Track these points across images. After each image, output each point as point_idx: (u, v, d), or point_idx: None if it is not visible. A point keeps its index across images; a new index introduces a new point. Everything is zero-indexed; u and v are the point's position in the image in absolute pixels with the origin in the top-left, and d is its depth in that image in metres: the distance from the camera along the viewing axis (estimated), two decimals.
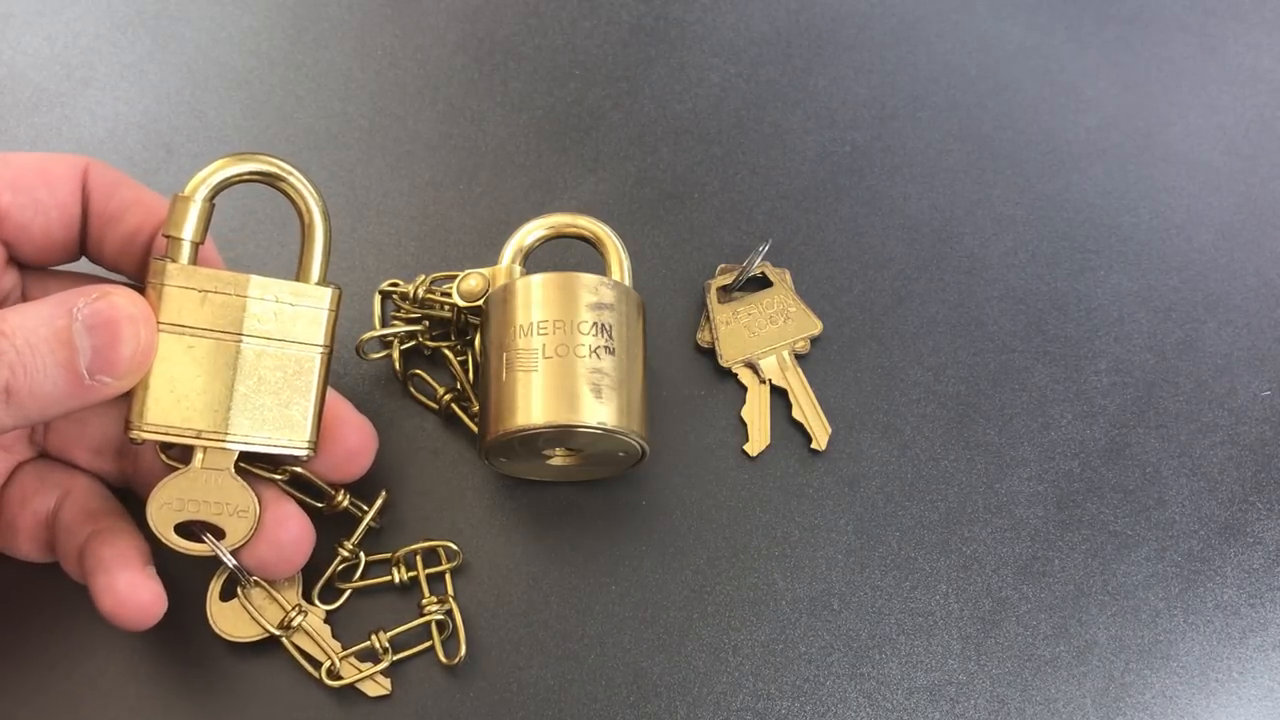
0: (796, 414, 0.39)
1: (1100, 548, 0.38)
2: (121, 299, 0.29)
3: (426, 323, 0.40)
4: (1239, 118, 0.48)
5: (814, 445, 0.39)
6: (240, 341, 0.31)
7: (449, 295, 0.38)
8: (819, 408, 0.40)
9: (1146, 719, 0.35)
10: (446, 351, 0.39)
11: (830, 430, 0.39)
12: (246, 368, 0.31)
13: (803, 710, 0.35)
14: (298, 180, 0.32)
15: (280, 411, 0.32)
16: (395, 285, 0.40)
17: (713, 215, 0.44)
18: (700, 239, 0.43)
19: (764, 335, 0.41)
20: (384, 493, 0.37)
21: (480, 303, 0.37)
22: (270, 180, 0.32)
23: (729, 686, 0.35)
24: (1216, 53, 0.50)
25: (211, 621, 0.34)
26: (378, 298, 0.41)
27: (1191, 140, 0.47)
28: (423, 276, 0.40)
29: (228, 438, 0.31)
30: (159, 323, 0.30)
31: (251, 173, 0.32)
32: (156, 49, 0.47)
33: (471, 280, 0.37)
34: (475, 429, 0.38)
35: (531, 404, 0.33)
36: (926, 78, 0.48)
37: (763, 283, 0.42)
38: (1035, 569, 0.38)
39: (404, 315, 0.40)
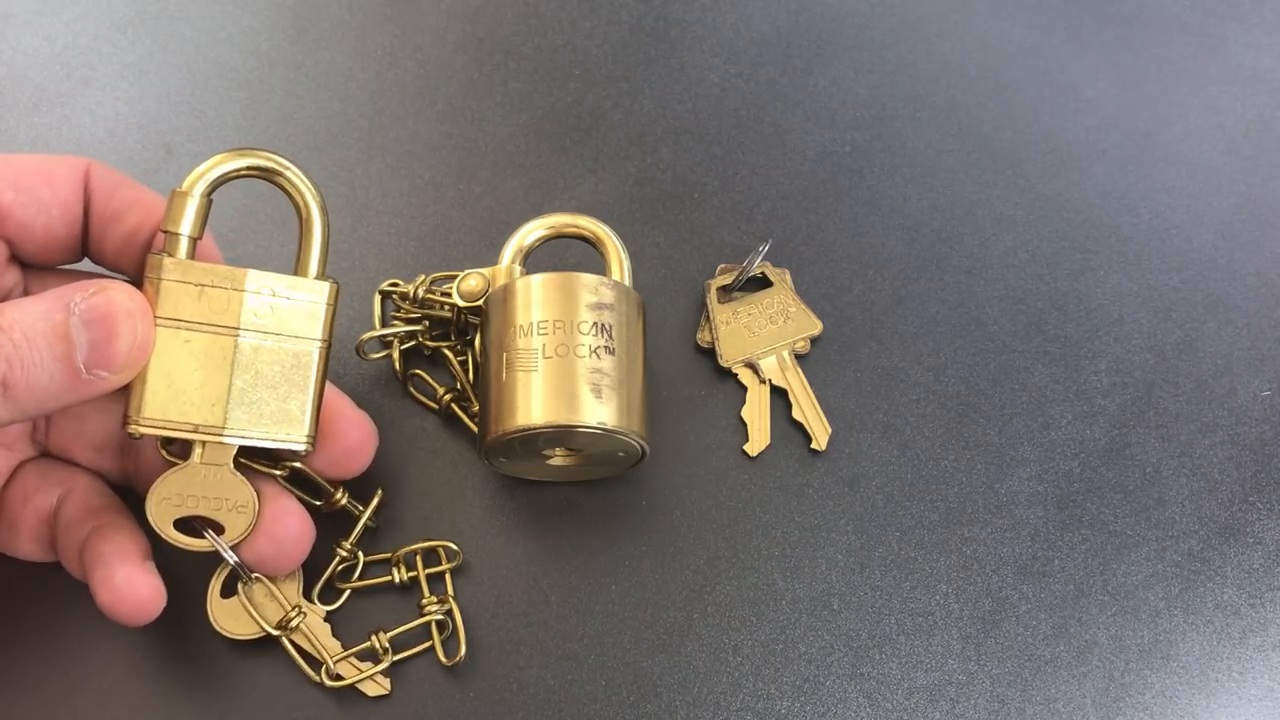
0: (796, 414, 0.39)
1: (1100, 548, 0.38)
2: (119, 293, 0.29)
3: (426, 323, 0.40)
4: (1239, 118, 0.48)
5: (814, 445, 0.39)
6: (238, 336, 0.31)
7: (449, 295, 0.38)
8: (819, 408, 0.40)
9: (1146, 719, 0.36)
10: (446, 351, 0.39)
11: (830, 430, 0.39)
12: (244, 362, 0.31)
13: (803, 710, 0.35)
14: (295, 175, 0.33)
15: (278, 406, 0.32)
16: (395, 285, 0.40)
17: (713, 215, 0.44)
18: (700, 239, 0.43)
19: (764, 335, 0.41)
20: (380, 491, 0.37)
21: (480, 303, 0.37)
22: (267, 175, 0.32)
23: (729, 686, 0.35)
24: (1216, 53, 0.50)
25: (212, 618, 0.34)
26: (378, 298, 0.41)
27: (1191, 140, 0.47)
28: (423, 276, 0.40)
29: (225, 432, 0.31)
30: (156, 317, 0.30)
31: (249, 168, 0.32)
32: (156, 49, 0.47)
33: (471, 280, 0.37)
34: (475, 429, 0.38)
35: (531, 404, 0.33)
36: (926, 78, 0.48)
37: (763, 283, 0.42)
38: (1035, 569, 0.38)
39: (404, 315, 0.40)
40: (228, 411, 0.31)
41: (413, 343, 0.40)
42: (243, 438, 0.32)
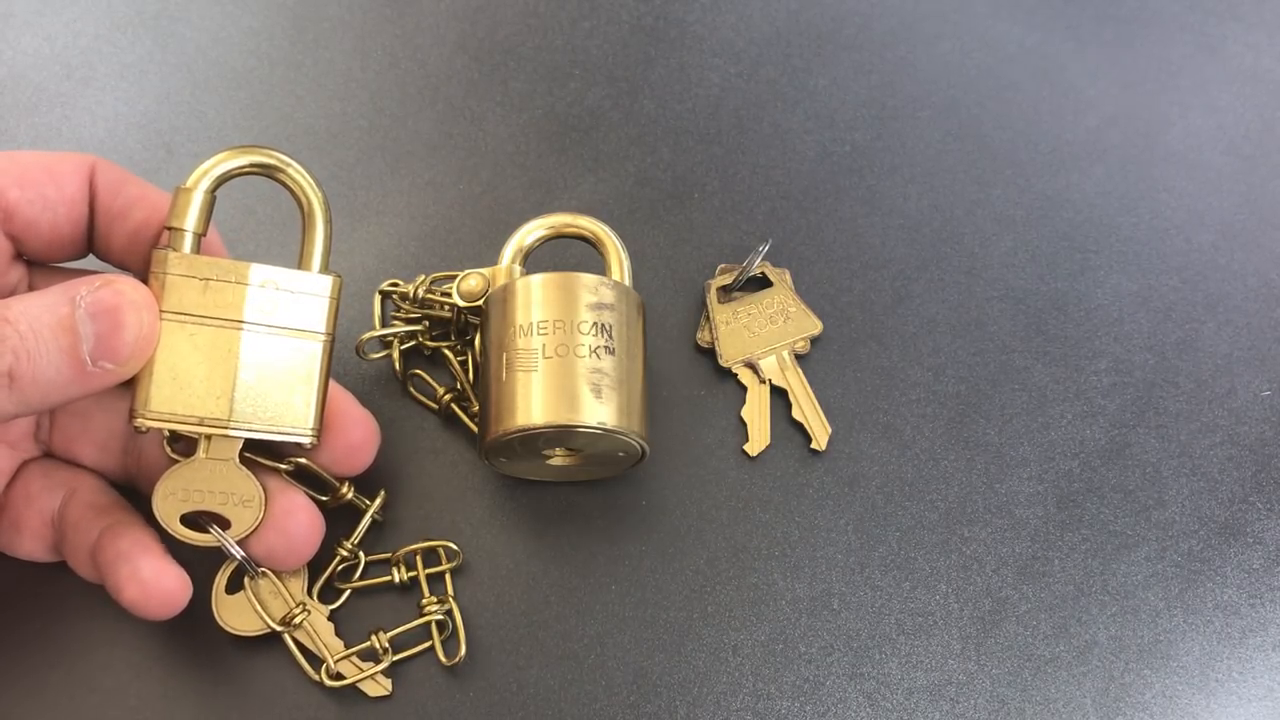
0: (796, 414, 0.39)
1: (1100, 548, 0.38)
2: (124, 286, 0.30)
3: (426, 323, 0.40)
4: (1239, 118, 0.48)
5: (814, 445, 0.39)
6: (242, 329, 0.32)
7: (449, 295, 0.38)
8: (819, 408, 0.40)
9: (1146, 719, 0.36)
10: (446, 351, 0.39)
11: (830, 430, 0.39)
12: (248, 355, 0.32)
13: (803, 710, 0.35)
14: (296, 172, 0.33)
15: (283, 399, 0.32)
16: (395, 285, 0.40)
17: (713, 215, 0.44)
18: (700, 239, 0.43)
19: (764, 335, 0.41)
20: (383, 492, 0.37)
21: (480, 303, 0.37)
22: (269, 172, 0.33)
23: (729, 686, 0.35)
24: (1216, 53, 0.50)
25: (216, 614, 0.34)
26: (378, 298, 0.41)
27: (1191, 140, 0.47)
28: (423, 276, 0.40)
29: (231, 424, 0.31)
30: (161, 311, 0.31)
31: (251, 164, 0.32)
32: (156, 49, 0.47)
33: (471, 280, 0.37)
34: (475, 429, 0.38)
35: (531, 404, 0.33)
36: (926, 78, 0.48)
37: (763, 283, 0.42)
38: (1035, 569, 0.38)
39: (404, 315, 0.40)
40: (233, 404, 0.31)
41: (413, 343, 0.40)
42: (248, 430, 0.32)
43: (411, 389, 0.39)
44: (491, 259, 0.38)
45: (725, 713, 0.35)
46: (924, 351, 0.41)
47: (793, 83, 0.48)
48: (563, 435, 0.34)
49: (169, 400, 0.31)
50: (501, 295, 0.35)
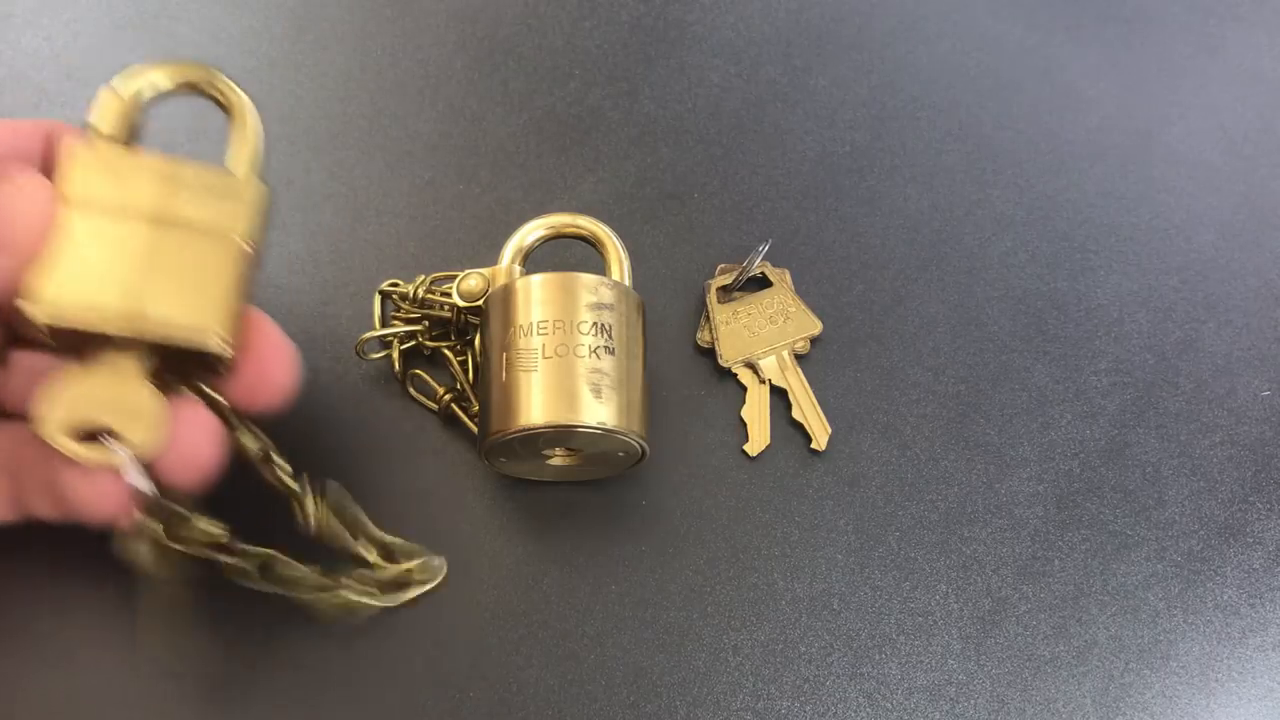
0: (796, 414, 0.39)
1: (1100, 548, 0.38)
2: (13, 171, 0.28)
3: (426, 323, 0.40)
4: (1239, 118, 0.48)
5: (814, 445, 0.39)
6: (153, 225, 0.29)
7: (449, 295, 0.38)
8: (819, 408, 0.40)
9: (1146, 719, 0.36)
10: (446, 351, 0.39)
11: (830, 430, 0.39)
12: (158, 253, 0.29)
13: (803, 710, 0.35)
14: (221, 81, 0.31)
15: (192, 303, 0.29)
16: (395, 285, 0.40)
17: (713, 215, 0.44)
18: (700, 239, 0.43)
19: (764, 335, 0.41)
20: (305, 474, 0.33)
21: (480, 303, 0.37)
22: (198, 88, 0.31)
23: (729, 686, 0.35)
24: (1216, 53, 0.50)
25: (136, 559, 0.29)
26: (378, 298, 0.41)
27: (1191, 140, 0.47)
28: (423, 276, 0.40)
29: (133, 324, 0.28)
30: (67, 201, 0.28)
31: (182, 83, 0.31)
32: (156, 49, 0.47)
33: (471, 280, 0.37)
34: (475, 429, 0.38)
35: (531, 404, 0.33)
36: (926, 78, 0.48)
37: (763, 283, 0.42)
38: (1035, 569, 0.38)
39: (404, 315, 0.40)
40: (136, 304, 0.28)
41: (413, 343, 0.40)
42: (150, 330, 0.28)
43: (411, 389, 0.39)
44: (491, 259, 0.38)
45: (725, 713, 0.35)
46: (924, 351, 0.41)
47: (793, 83, 0.48)
48: (563, 435, 0.34)
49: (66, 293, 0.27)
50: (501, 295, 0.35)
